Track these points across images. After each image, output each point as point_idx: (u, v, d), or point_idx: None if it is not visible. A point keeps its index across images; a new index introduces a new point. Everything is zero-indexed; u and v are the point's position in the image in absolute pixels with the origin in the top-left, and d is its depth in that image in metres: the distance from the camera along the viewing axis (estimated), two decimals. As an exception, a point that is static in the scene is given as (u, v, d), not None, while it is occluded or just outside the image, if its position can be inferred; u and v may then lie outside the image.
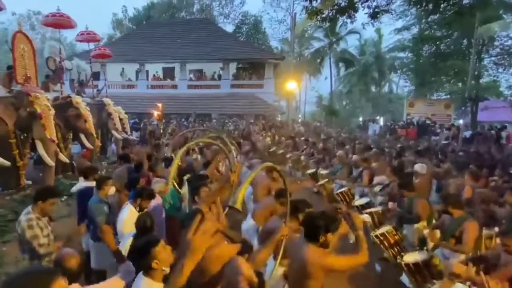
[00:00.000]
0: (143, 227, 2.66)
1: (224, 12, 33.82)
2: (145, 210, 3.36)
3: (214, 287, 1.90)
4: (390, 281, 3.96)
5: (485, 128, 15.03)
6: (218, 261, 2.08)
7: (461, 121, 16.38)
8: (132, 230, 2.84)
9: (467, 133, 14.19)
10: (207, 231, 1.24)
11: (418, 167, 5.52)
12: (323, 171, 7.57)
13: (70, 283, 1.93)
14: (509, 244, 2.55)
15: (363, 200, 5.12)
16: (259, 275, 1.77)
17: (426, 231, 3.69)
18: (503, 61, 19.25)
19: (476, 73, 18.31)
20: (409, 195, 4.26)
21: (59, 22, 9.07)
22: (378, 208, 4.71)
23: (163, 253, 1.97)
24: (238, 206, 1.66)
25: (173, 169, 3.50)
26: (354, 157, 7.17)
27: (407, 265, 3.24)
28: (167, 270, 1.99)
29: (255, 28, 32.16)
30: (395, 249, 3.86)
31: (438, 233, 3.60)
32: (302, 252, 2.20)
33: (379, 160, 6.95)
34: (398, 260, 3.40)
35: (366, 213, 4.69)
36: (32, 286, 1.15)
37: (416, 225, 4.02)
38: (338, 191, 5.67)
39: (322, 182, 6.59)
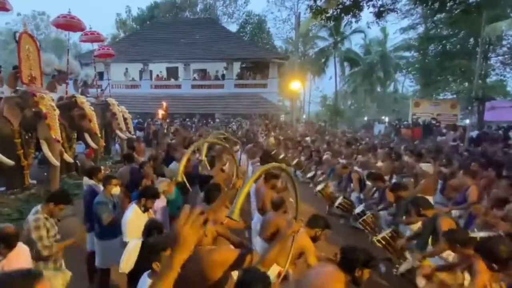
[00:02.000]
0: (151, 235, 2.61)
1: (228, 11, 33.83)
2: (150, 210, 3.35)
3: None
4: (394, 281, 3.92)
5: (492, 128, 14.84)
6: (220, 267, 2.04)
7: (467, 121, 16.19)
8: (138, 230, 2.82)
9: (474, 133, 14.02)
10: (195, 222, 1.17)
11: (425, 167, 5.46)
12: (319, 175, 7.64)
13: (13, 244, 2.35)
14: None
15: (359, 208, 5.21)
16: (265, 278, 1.73)
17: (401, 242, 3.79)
18: (510, 61, 18.98)
19: (482, 72, 18.08)
20: (404, 195, 4.25)
21: (70, 24, 9.09)
22: (368, 214, 4.82)
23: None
24: (236, 217, 1.62)
25: (182, 165, 3.41)
26: (337, 166, 7.15)
27: (403, 274, 3.35)
28: None
29: (259, 27, 32.09)
30: (396, 250, 3.91)
31: (418, 255, 3.55)
32: (326, 275, 2.12)
33: (385, 160, 6.89)
34: (395, 272, 3.50)
35: (359, 222, 4.76)
36: None
37: (415, 226, 4.03)
38: (337, 204, 5.73)
39: (318, 188, 6.61)
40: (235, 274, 2.08)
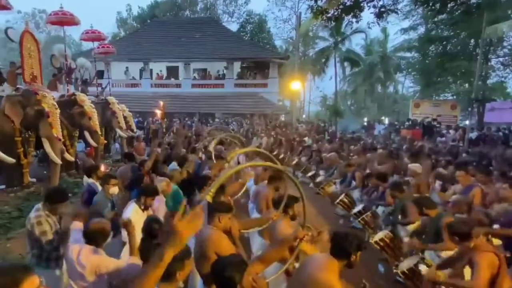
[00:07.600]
0: (151, 231, 2.61)
1: (228, 11, 33.80)
2: (150, 208, 3.36)
3: None
4: (393, 282, 3.94)
5: (491, 129, 14.84)
6: (212, 247, 2.28)
7: (467, 122, 16.20)
8: (138, 229, 2.82)
9: (473, 135, 14.02)
10: (193, 219, 1.19)
11: (413, 167, 5.49)
12: (321, 174, 7.67)
13: None
14: None
15: (359, 207, 5.21)
16: (241, 263, 1.77)
17: (405, 240, 3.75)
18: (510, 62, 19.00)
19: (483, 73, 18.10)
20: (400, 196, 4.33)
21: (63, 19, 9.20)
22: (368, 213, 4.82)
23: (188, 268, 1.90)
24: (209, 199, 1.71)
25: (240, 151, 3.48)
26: (340, 165, 7.20)
27: (403, 273, 3.29)
28: (182, 285, 1.98)
29: (260, 27, 32.05)
30: (395, 251, 3.92)
31: (415, 240, 3.63)
32: (322, 267, 2.08)
33: (386, 161, 6.86)
34: (395, 270, 3.45)
35: (358, 221, 4.80)
36: (1, 283, 1.12)
37: (410, 226, 4.07)
38: (338, 200, 5.74)
39: (321, 185, 6.63)
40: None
